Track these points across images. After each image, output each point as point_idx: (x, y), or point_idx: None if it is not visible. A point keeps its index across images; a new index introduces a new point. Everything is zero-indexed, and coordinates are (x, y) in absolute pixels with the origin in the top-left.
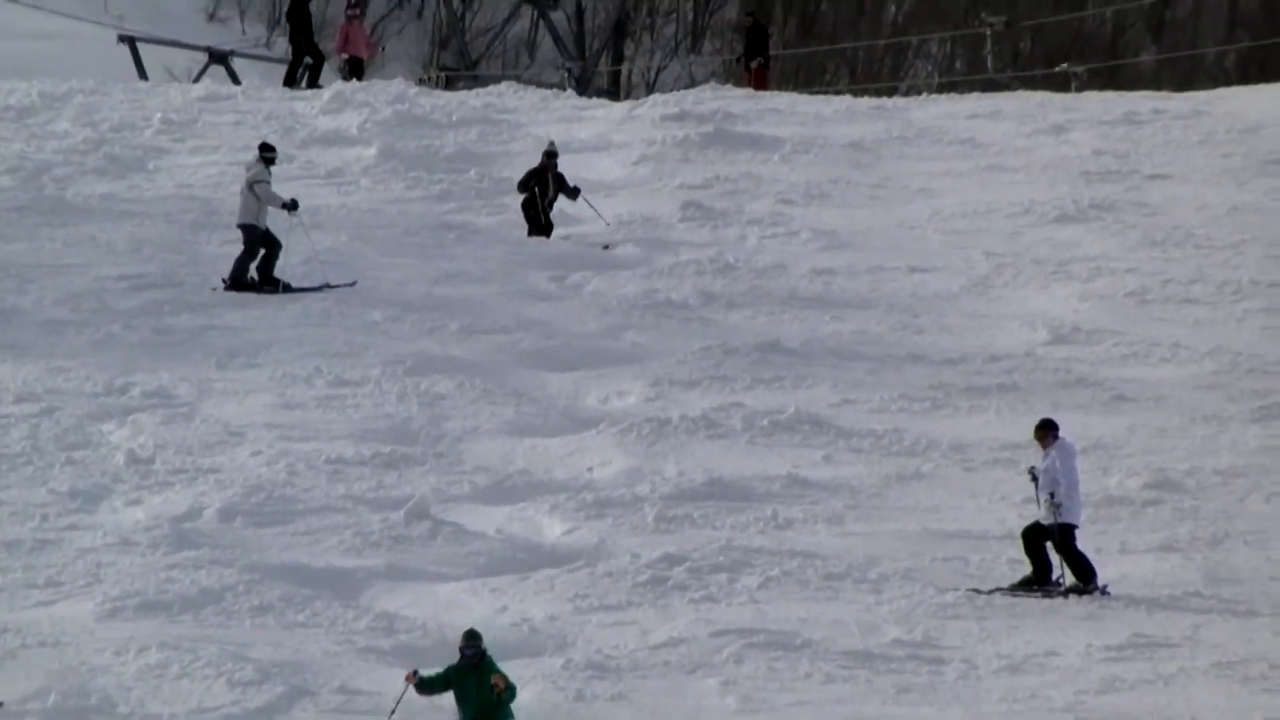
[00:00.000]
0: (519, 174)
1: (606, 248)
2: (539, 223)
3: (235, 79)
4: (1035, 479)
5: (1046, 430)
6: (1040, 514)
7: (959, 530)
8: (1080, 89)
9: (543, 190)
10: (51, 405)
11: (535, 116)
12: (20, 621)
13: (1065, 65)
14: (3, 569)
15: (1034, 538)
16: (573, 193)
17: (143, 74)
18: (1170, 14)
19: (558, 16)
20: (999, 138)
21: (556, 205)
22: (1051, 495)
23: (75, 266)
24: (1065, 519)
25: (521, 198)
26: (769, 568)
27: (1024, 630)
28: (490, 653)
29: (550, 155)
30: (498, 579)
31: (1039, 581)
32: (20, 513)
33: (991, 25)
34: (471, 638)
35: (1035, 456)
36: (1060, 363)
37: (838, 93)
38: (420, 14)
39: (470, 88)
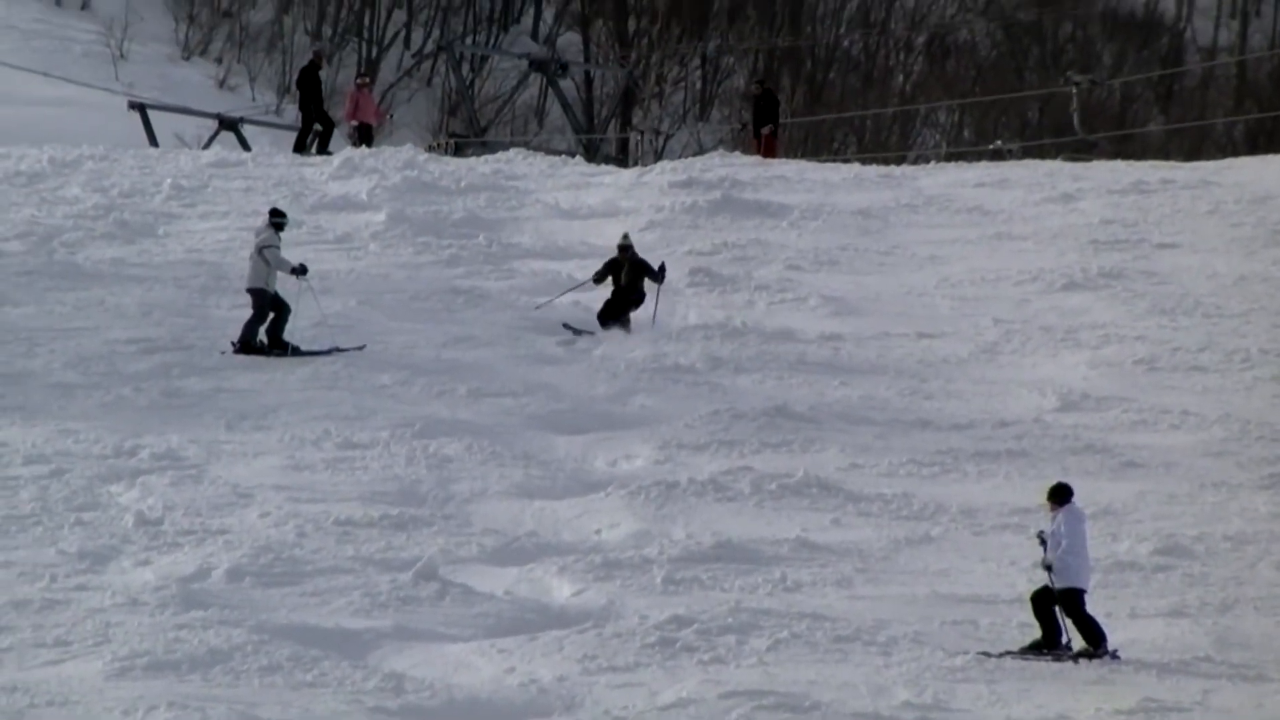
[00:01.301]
0: (527, 239)
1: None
2: (616, 313)
3: (245, 145)
4: (1044, 543)
5: (1056, 495)
6: (1049, 578)
7: (968, 594)
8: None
9: (617, 279)
10: (61, 467)
11: (544, 183)
12: (29, 681)
13: (998, 142)
14: (12, 628)
15: (1043, 601)
16: (659, 274)
17: (153, 140)
18: (1179, 85)
19: (566, 84)
20: (1007, 205)
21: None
22: (1047, 559)
23: (85, 330)
24: (1072, 583)
25: (595, 280)
26: (778, 630)
27: (1034, 694)
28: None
29: (624, 248)
30: (506, 640)
31: (1048, 645)
32: (29, 573)
33: (1078, 84)
34: None
35: (1044, 520)
36: (1069, 429)
37: (846, 160)
38: (429, 81)
39: (479, 154)
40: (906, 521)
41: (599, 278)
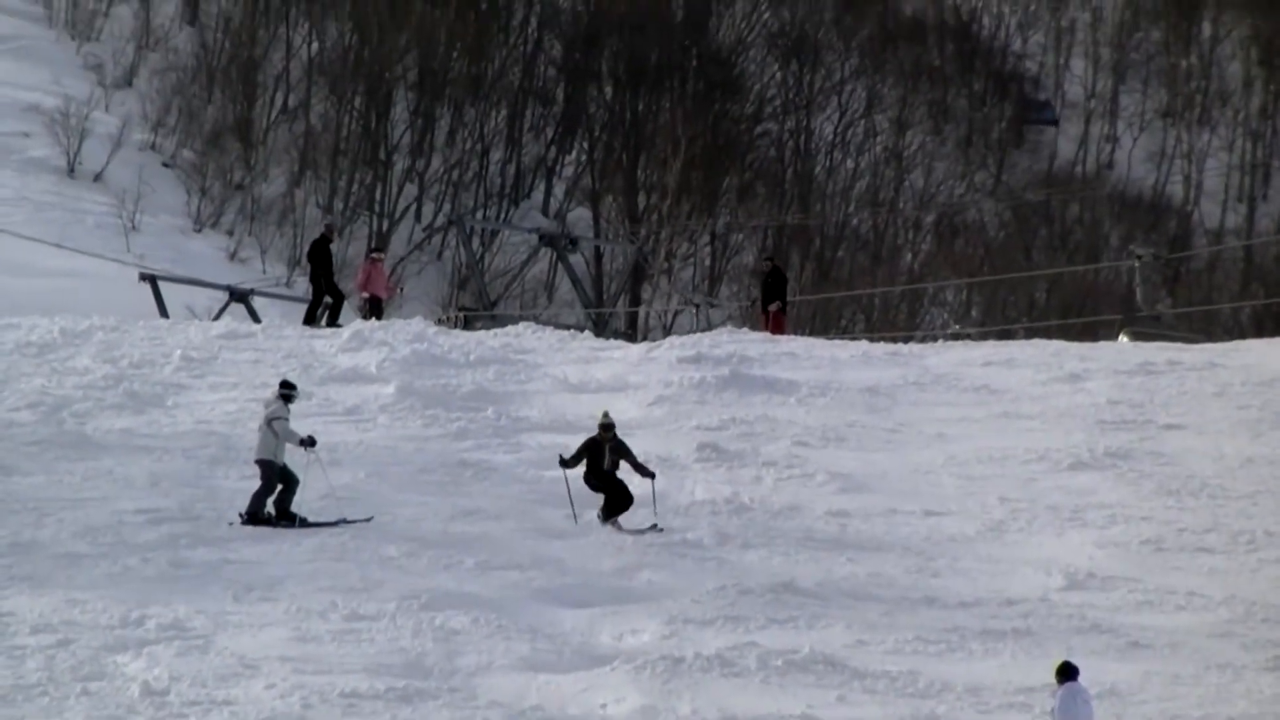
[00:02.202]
0: (536, 412)
1: (656, 528)
2: (604, 489)
3: (255, 317)
4: None
5: (1059, 673)
6: None
7: None
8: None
9: (596, 462)
10: (68, 637)
11: (553, 357)
12: None
13: (955, 326)
14: None
15: None
16: (646, 472)
17: (163, 312)
18: (1185, 267)
19: (576, 259)
20: (1014, 385)
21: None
22: None
23: (93, 500)
24: None
25: (562, 465)
26: None
27: None
28: None
29: (606, 427)
30: None
31: None
32: None
33: (1140, 257)
34: None
35: (1050, 699)
36: (1075, 608)
37: (854, 338)
38: (440, 255)
39: (488, 328)
40: (912, 699)
41: (573, 461)
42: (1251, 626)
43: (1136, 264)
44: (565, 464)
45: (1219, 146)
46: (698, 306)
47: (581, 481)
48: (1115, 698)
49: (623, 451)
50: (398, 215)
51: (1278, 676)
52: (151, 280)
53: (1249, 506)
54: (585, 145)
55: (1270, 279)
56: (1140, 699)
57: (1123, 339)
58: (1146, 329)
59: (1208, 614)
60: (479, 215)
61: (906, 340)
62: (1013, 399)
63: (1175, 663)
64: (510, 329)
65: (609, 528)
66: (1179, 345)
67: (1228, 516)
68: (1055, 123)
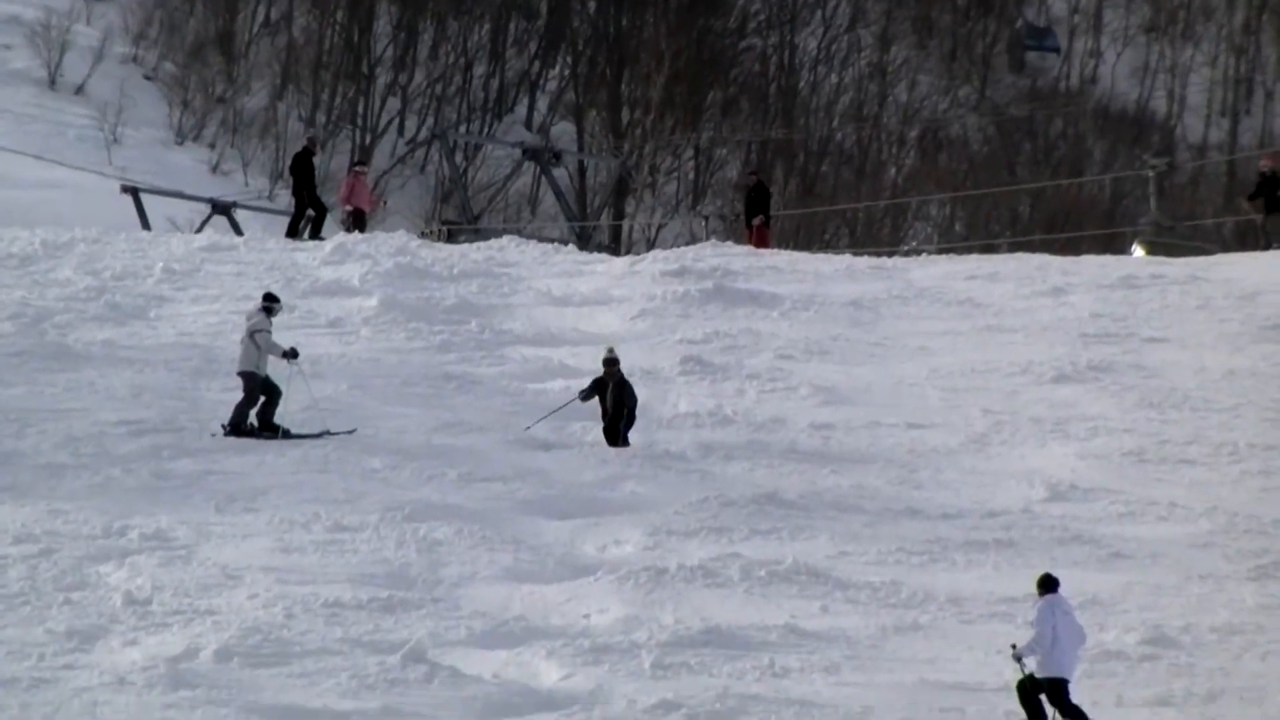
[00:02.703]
0: (519, 325)
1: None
2: (614, 438)
3: (238, 230)
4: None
5: (1041, 584)
6: (1033, 666)
7: (955, 682)
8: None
9: (604, 399)
10: (50, 547)
11: (536, 270)
12: None
13: (913, 243)
14: (0, 707)
15: (1029, 690)
16: (631, 406)
17: (146, 224)
18: (1169, 182)
19: (559, 173)
20: (998, 299)
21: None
22: (1013, 647)
23: (76, 411)
24: (1056, 673)
25: (581, 398)
26: (765, 716)
27: None
28: None
29: (610, 363)
30: None
31: None
32: (17, 652)
33: (1155, 167)
34: None
35: (1032, 610)
36: (1057, 520)
37: (838, 252)
38: (423, 169)
39: (472, 241)
40: (894, 609)
41: (585, 397)
42: (1233, 537)
43: (1151, 173)
44: (583, 396)
45: (1202, 61)
46: (706, 219)
47: (579, 400)
48: (1097, 608)
49: (624, 392)
50: (380, 129)
51: (1259, 586)
52: (133, 192)
53: (1231, 418)
54: (569, 59)
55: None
56: (1122, 609)
57: (1137, 249)
58: (1161, 239)
59: (1189, 525)
60: (462, 129)
61: (890, 255)
62: (996, 313)
63: (1157, 573)
64: (494, 242)
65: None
66: (1189, 258)
67: (1209, 428)
68: (1057, 50)
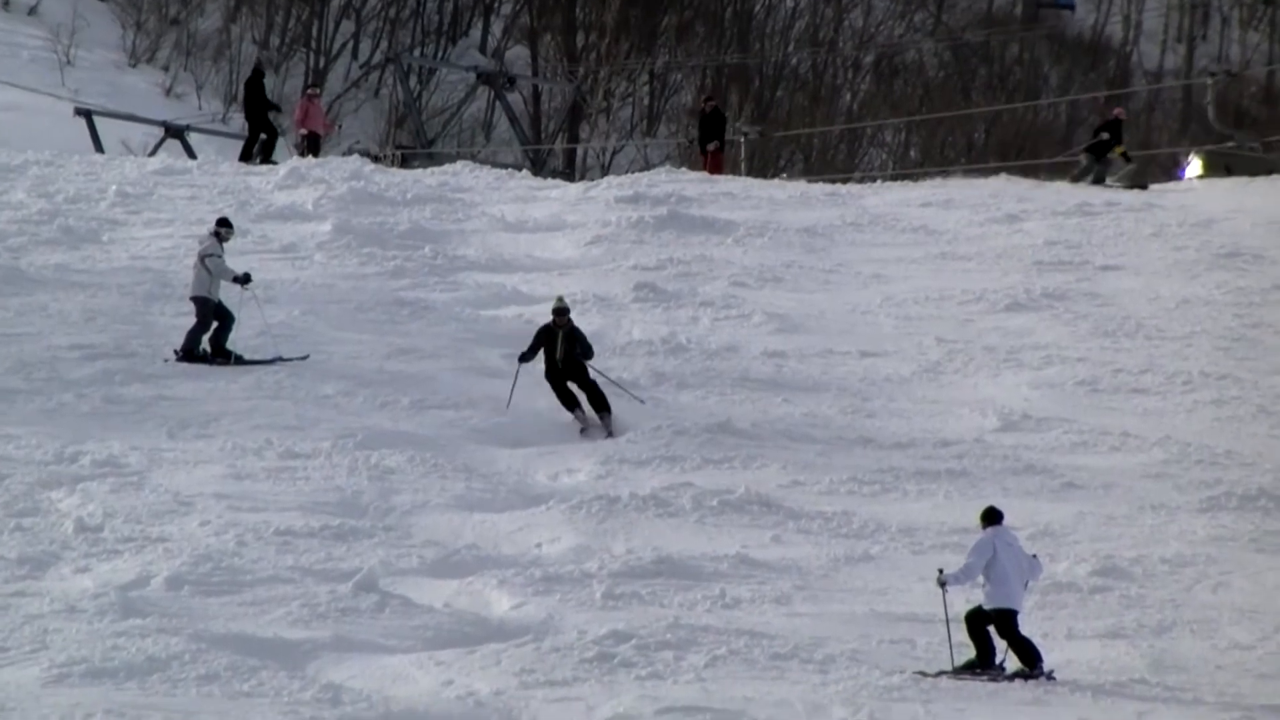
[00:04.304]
0: (473, 251)
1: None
2: (564, 393)
3: (191, 153)
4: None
5: (984, 518)
6: (981, 598)
7: (906, 613)
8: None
9: (551, 352)
10: (1, 472)
11: (490, 196)
12: None
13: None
14: None
15: (976, 621)
16: (586, 352)
17: (99, 147)
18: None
19: (514, 98)
20: (952, 226)
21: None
22: (940, 571)
23: (27, 335)
24: (1005, 604)
25: (520, 360)
26: (716, 646)
27: (969, 714)
28: None
29: (560, 312)
30: (444, 652)
31: (982, 665)
32: None
33: (1214, 75)
34: None
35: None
36: (1010, 449)
37: (792, 179)
38: (377, 93)
39: (425, 166)
40: (846, 539)
41: (528, 355)
42: (1185, 467)
43: (1210, 82)
44: (522, 358)
45: None
46: (745, 135)
47: (534, 375)
48: (1049, 538)
49: (576, 340)
50: (334, 52)
51: (1211, 517)
52: (87, 115)
53: (1184, 348)
54: None
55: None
56: (1074, 539)
57: (1193, 161)
58: (1221, 149)
59: (1142, 455)
60: (416, 53)
61: (845, 181)
62: (950, 240)
63: (1109, 503)
64: (448, 168)
65: (584, 424)
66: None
67: (1163, 357)
68: (1072, 7)
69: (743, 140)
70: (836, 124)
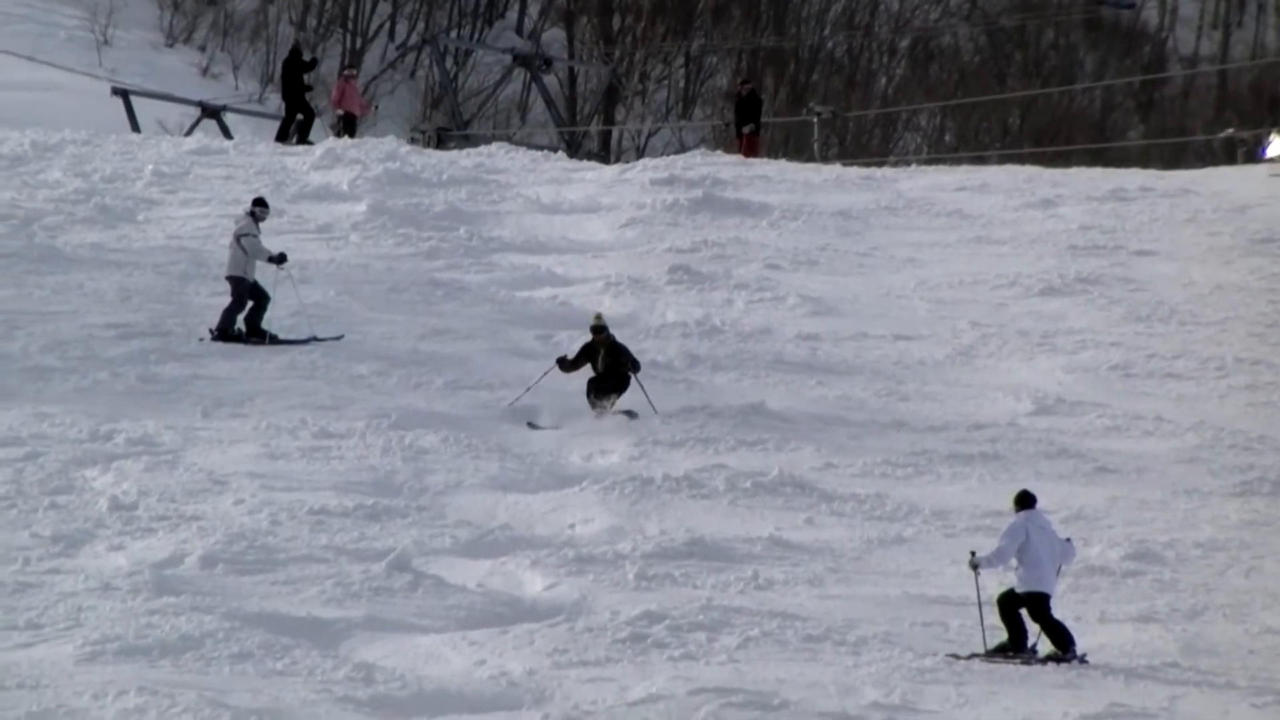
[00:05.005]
0: (508, 233)
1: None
2: (603, 392)
3: (227, 133)
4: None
5: (1017, 501)
6: (1014, 581)
7: (939, 595)
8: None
9: (594, 365)
10: (36, 450)
11: (525, 177)
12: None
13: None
14: None
15: (1009, 604)
16: (634, 365)
17: (135, 126)
18: (1159, 94)
19: (550, 80)
20: (987, 210)
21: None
22: (972, 554)
23: (63, 314)
24: (1037, 588)
25: (559, 362)
26: (749, 628)
27: (1001, 696)
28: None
29: (598, 330)
30: (477, 632)
31: (1014, 648)
32: (2, 556)
33: None
34: None
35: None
36: (1043, 433)
37: (827, 162)
38: (413, 74)
39: (461, 147)
40: (879, 522)
41: (570, 365)
42: (1218, 452)
43: None
44: (564, 364)
45: None
46: (819, 115)
47: (562, 373)
48: (1082, 522)
49: (618, 353)
50: (371, 34)
51: (1244, 502)
52: (123, 95)
53: (1218, 333)
54: None
55: (1244, 106)
56: (1107, 524)
57: (1275, 140)
58: None
59: (1175, 439)
60: (453, 34)
61: (880, 165)
62: (985, 224)
63: (1142, 488)
64: (483, 149)
65: (599, 410)
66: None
67: (1197, 342)
68: (1132, 5)
69: (815, 121)
70: (872, 108)
